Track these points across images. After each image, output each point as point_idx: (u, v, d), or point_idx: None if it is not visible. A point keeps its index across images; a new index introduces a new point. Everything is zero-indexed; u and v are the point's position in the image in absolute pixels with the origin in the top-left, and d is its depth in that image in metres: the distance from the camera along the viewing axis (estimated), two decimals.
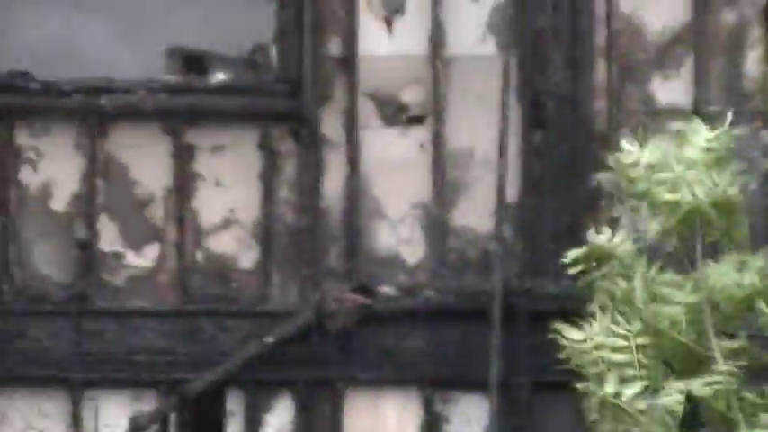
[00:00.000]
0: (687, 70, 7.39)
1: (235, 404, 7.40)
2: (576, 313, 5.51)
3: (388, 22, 7.50)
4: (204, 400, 7.37)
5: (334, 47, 7.49)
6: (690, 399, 5.21)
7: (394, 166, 7.43)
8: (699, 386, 5.17)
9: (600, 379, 5.34)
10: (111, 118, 7.43)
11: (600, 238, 5.57)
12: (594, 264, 5.58)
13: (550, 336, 5.46)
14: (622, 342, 5.32)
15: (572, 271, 5.60)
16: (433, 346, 7.32)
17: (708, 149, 5.36)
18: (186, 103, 7.46)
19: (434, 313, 7.32)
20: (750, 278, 5.29)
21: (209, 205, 7.45)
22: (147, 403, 7.36)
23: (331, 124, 7.44)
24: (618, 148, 5.63)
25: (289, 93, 7.44)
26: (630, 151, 5.49)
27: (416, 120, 7.47)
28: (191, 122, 7.43)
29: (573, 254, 5.57)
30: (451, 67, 7.43)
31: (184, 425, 7.35)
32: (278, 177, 7.44)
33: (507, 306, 7.16)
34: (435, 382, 7.37)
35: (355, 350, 7.36)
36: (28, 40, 8.15)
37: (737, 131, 5.73)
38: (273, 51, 7.58)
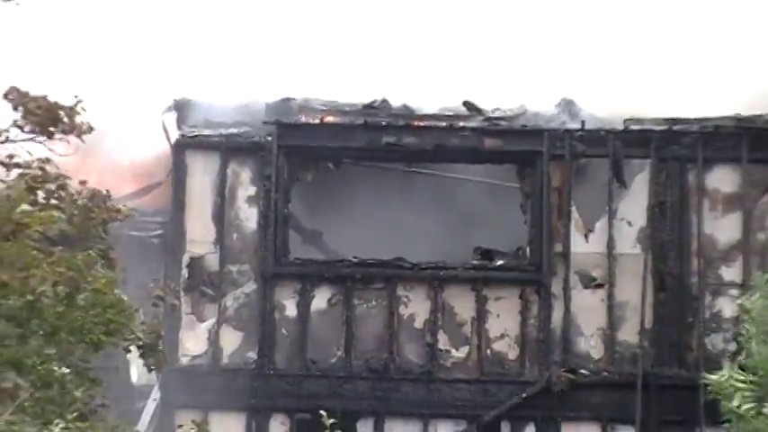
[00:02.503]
0: (739, 263, 14.78)
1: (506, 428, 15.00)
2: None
3: (586, 235, 15.09)
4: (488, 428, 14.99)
5: (558, 247, 15.10)
6: None
7: (588, 309, 15.00)
8: None
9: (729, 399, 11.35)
10: (445, 281, 15.16)
11: None
12: None
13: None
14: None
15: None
16: (608, 400, 14.78)
17: None
18: (483, 276, 15.20)
19: (608, 384, 14.81)
20: None
21: (494, 326, 15.08)
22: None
23: (556, 287, 15.04)
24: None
25: (535, 271, 15.10)
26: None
27: (599, 285, 15.01)
28: (486, 285, 15.13)
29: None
30: (618, 259, 14.98)
31: None
32: (529, 313, 15.04)
33: (645, 381, 14.54)
34: (611, 419, 14.84)
35: (567, 402, 14.88)
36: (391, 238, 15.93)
37: None
38: (528, 250, 15.25)
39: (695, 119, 15.62)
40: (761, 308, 11.29)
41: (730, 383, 10.94)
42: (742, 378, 10.98)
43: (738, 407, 10.80)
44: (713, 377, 11.14)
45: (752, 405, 10.72)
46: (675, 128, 15.62)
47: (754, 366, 11.22)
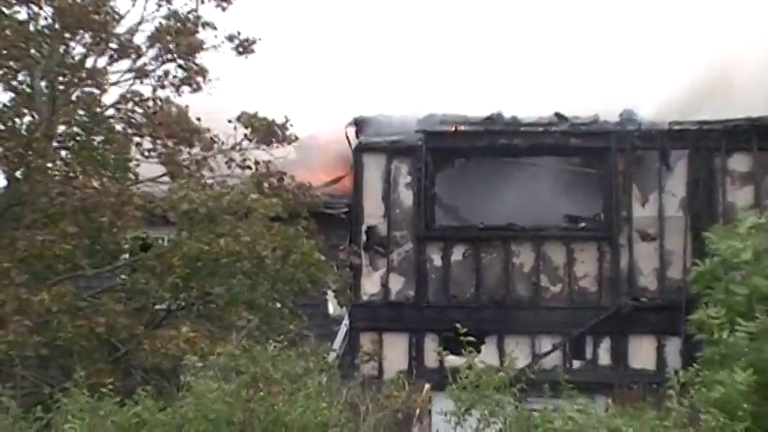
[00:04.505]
0: None
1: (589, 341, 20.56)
2: None
3: (643, 204, 20.53)
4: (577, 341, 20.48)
5: (624, 213, 20.48)
6: None
7: (645, 256, 20.44)
8: None
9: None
10: (544, 239, 20.73)
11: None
12: None
13: None
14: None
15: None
16: (661, 320, 20.08)
17: None
18: (570, 234, 20.79)
19: (660, 308, 20.18)
20: None
21: (579, 269, 20.77)
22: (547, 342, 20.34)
23: (623, 241, 20.50)
24: None
25: (607, 230, 20.63)
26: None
27: (653, 239, 20.44)
28: (573, 241, 20.69)
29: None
30: (666, 221, 20.43)
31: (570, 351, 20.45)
32: (603, 260, 20.59)
33: (687, 305, 19.55)
34: (664, 333, 20.09)
35: (631, 322, 20.38)
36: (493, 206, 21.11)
37: None
38: (602, 215, 20.75)
39: (719, 120, 20.13)
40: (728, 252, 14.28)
41: (708, 320, 13.33)
42: (715, 315, 13.30)
43: (718, 336, 12.73)
44: (695, 316, 13.72)
45: (726, 331, 12.83)
46: (705, 127, 20.20)
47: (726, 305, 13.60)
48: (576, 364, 20.16)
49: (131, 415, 11.38)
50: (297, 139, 18.74)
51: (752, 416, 11.20)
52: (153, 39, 18.03)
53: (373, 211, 21.08)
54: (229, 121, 18.12)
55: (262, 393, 11.47)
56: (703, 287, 14.64)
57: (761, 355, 12.48)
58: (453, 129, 20.89)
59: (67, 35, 17.47)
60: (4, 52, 16.82)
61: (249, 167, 18.32)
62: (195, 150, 17.99)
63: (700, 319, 13.60)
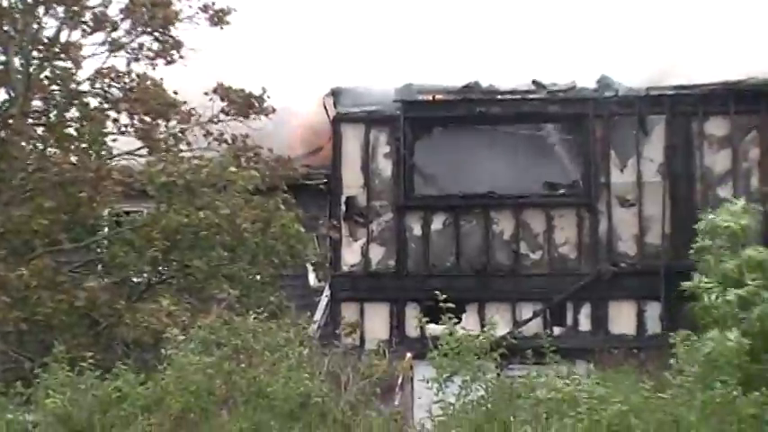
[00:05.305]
0: (730, 185, 20.39)
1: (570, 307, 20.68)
2: None
3: (621, 170, 20.61)
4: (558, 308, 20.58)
5: (602, 178, 20.63)
6: None
7: (624, 222, 20.55)
8: None
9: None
10: (523, 206, 20.82)
11: None
12: None
13: None
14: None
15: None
16: (640, 285, 20.27)
17: None
18: (550, 201, 20.87)
19: (640, 273, 20.32)
20: None
21: (559, 236, 20.92)
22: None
23: (601, 207, 20.61)
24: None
25: (586, 196, 20.69)
26: None
27: (632, 204, 20.55)
28: (552, 208, 20.80)
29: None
30: (645, 186, 20.52)
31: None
32: (583, 226, 20.65)
33: (666, 270, 19.88)
34: (643, 298, 20.29)
35: (612, 287, 20.48)
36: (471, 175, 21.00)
37: None
38: (580, 182, 20.81)
39: (696, 85, 20.22)
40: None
41: (700, 287, 13.46)
42: (707, 281, 13.43)
43: (709, 302, 13.00)
44: (687, 283, 13.75)
45: (716, 296, 13.08)
46: (682, 92, 20.29)
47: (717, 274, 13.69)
48: (557, 330, 20.21)
49: (112, 389, 11.38)
50: (274, 110, 18.64)
51: (742, 374, 11.34)
52: (127, 11, 17.89)
53: (352, 182, 21.17)
54: (206, 94, 18.09)
55: (243, 365, 11.54)
56: (700, 257, 14.57)
57: (750, 319, 12.68)
58: (431, 98, 20.97)
59: (41, 10, 17.40)
60: None
61: (227, 141, 18.29)
62: (172, 124, 17.88)
63: (693, 286, 13.76)
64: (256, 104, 18.56)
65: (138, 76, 17.94)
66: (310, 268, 20.25)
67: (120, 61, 18.04)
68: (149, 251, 16.01)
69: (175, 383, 11.20)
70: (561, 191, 21.20)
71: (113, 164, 17.29)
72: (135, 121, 17.74)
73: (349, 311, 20.74)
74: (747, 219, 14.19)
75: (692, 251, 14.49)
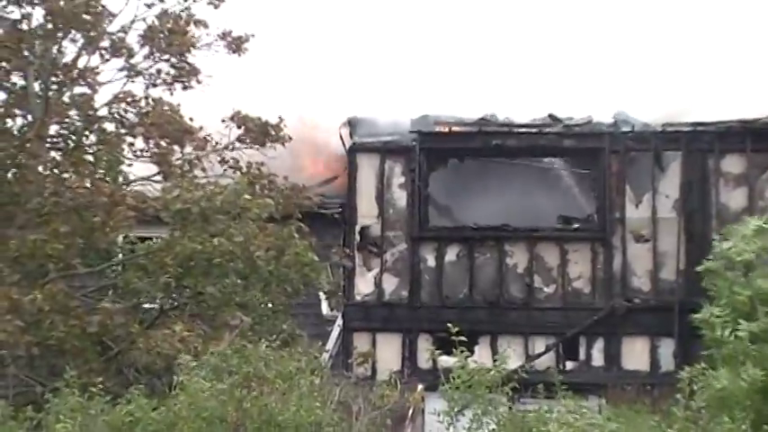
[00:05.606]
0: None
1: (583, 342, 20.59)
2: None
3: (637, 205, 20.59)
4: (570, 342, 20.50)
5: (617, 214, 20.60)
6: None
7: (639, 257, 20.52)
8: None
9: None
10: (537, 239, 20.81)
11: None
12: None
13: None
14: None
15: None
16: (654, 321, 20.17)
17: None
18: (564, 235, 20.84)
19: (654, 309, 20.25)
20: None
21: (573, 270, 20.83)
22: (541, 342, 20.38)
23: (616, 242, 20.59)
24: None
25: (601, 231, 20.68)
26: None
27: (646, 240, 20.53)
28: (566, 241, 20.73)
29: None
30: (659, 222, 20.45)
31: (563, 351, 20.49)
32: (597, 261, 20.62)
33: (680, 307, 19.81)
34: (657, 334, 20.21)
35: (625, 322, 20.39)
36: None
37: None
38: (595, 216, 20.79)
39: (712, 122, 20.20)
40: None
41: (711, 319, 13.87)
42: (719, 313, 13.80)
43: (720, 335, 13.37)
44: (698, 315, 14.14)
45: (728, 331, 13.35)
46: (698, 128, 20.26)
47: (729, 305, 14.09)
48: (570, 364, 20.24)
49: (124, 414, 11.35)
50: (290, 139, 18.71)
51: (754, 413, 11.27)
52: (145, 37, 18.01)
53: (367, 212, 21.18)
54: (222, 121, 18.18)
55: (254, 393, 11.50)
56: (710, 282, 14.96)
57: (763, 356, 12.67)
58: (447, 129, 20.99)
59: (60, 35, 17.43)
60: None
61: (241, 169, 18.30)
62: (188, 150, 17.97)
63: (703, 317, 13.99)
64: (273, 133, 18.62)
65: (153, 100, 17.99)
66: (323, 297, 20.16)
67: (137, 87, 18.15)
68: (163, 277, 15.94)
69: (187, 409, 11.17)
70: (576, 225, 21.15)
71: (128, 189, 17.32)
72: (150, 146, 17.78)
73: (361, 341, 20.73)
74: (761, 240, 14.03)
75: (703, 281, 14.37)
